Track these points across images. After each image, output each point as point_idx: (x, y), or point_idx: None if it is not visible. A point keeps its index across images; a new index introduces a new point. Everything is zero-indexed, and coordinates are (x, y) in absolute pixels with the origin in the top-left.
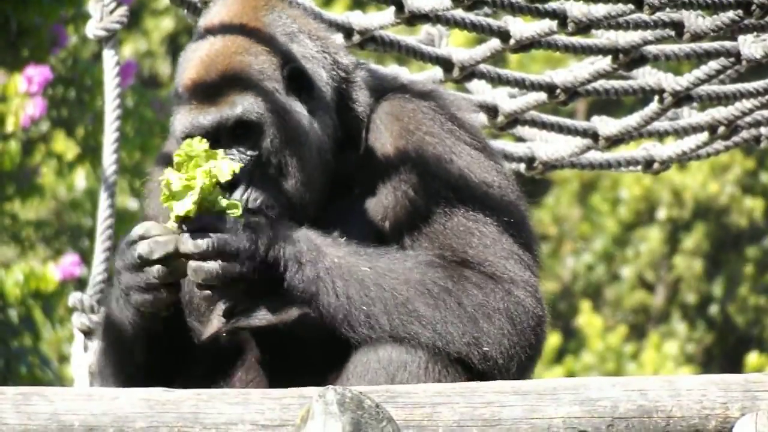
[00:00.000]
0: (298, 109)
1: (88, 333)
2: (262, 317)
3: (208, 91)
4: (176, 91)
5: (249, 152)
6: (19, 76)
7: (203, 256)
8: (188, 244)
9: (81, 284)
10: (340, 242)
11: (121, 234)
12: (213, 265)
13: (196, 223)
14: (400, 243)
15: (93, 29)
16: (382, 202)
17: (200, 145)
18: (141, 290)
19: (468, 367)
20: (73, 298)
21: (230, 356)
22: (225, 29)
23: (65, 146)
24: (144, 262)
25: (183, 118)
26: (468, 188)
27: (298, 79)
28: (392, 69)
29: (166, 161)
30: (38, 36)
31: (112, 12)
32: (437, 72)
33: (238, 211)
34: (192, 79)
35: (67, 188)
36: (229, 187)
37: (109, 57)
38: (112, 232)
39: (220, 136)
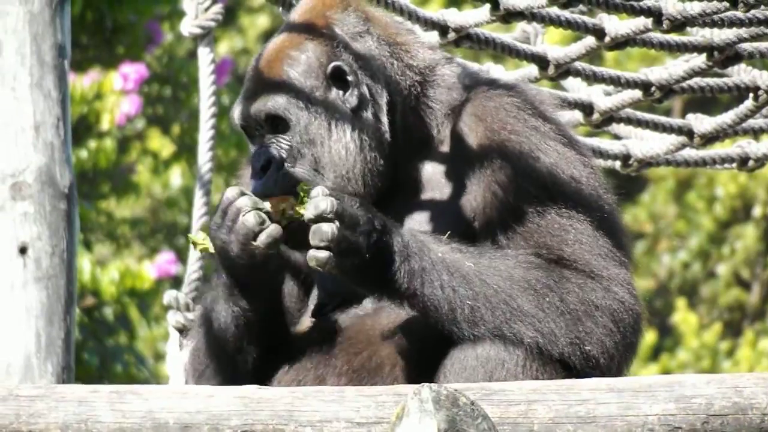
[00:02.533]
0: (337, 107)
1: (183, 331)
2: (349, 314)
3: (255, 82)
4: None
5: (284, 142)
6: (114, 73)
7: (323, 217)
8: (310, 207)
9: (176, 282)
10: (441, 239)
11: None
12: (332, 227)
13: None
14: (494, 242)
15: (188, 27)
16: (471, 204)
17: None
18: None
19: (566, 366)
20: (169, 296)
21: (322, 354)
22: (294, 24)
23: (161, 144)
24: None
25: (235, 107)
26: (557, 185)
27: (343, 78)
28: (481, 66)
29: None
30: (133, 33)
31: (207, 9)
32: (532, 70)
33: None
34: (249, 70)
35: (163, 186)
36: (260, 170)
37: (204, 54)
38: None
39: (261, 126)
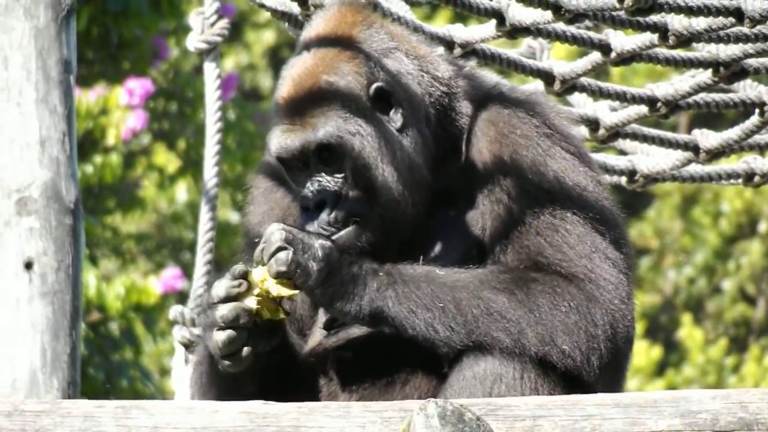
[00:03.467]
0: (385, 128)
1: (188, 346)
2: (360, 328)
3: (294, 111)
4: (274, 106)
5: (336, 174)
6: (120, 88)
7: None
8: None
9: (182, 297)
10: (413, 267)
11: (222, 246)
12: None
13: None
14: (494, 247)
15: (194, 42)
16: (480, 209)
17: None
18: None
19: (568, 379)
20: (174, 311)
21: (331, 368)
22: (319, 45)
23: (166, 159)
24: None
25: (274, 139)
26: (562, 191)
27: (385, 98)
28: (492, 75)
29: (267, 171)
30: (139, 48)
31: (213, 25)
32: (538, 85)
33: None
34: (283, 98)
35: (168, 201)
36: (314, 209)
37: (210, 70)
38: (213, 246)
39: (307, 158)
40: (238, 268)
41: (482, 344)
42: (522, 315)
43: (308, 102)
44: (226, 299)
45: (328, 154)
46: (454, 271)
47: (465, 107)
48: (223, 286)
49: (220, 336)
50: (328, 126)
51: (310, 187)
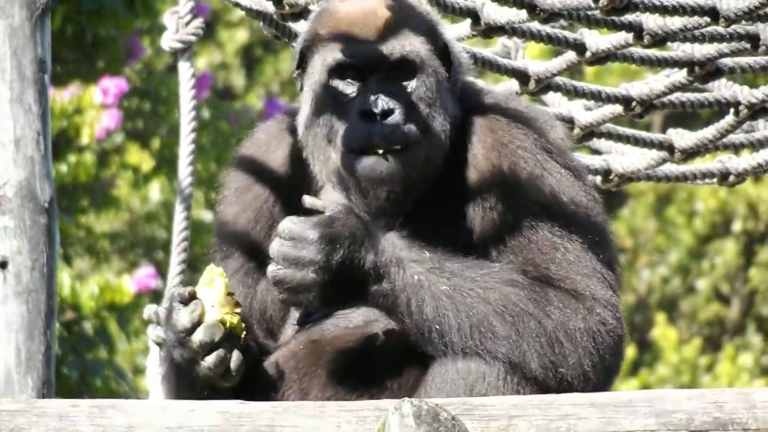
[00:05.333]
0: (443, 82)
1: (162, 345)
2: (335, 325)
3: (373, 26)
4: (311, 38)
5: (406, 92)
6: (94, 87)
7: (277, 262)
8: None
9: (156, 296)
10: (424, 256)
11: (196, 246)
12: (285, 272)
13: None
14: (485, 254)
15: (168, 41)
16: (470, 212)
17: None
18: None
19: (548, 384)
20: (148, 310)
21: (304, 366)
22: None
23: (140, 158)
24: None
25: (337, 49)
26: (556, 205)
27: (445, 57)
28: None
29: (242, 164)
30: (113, 48)
31: (187, 24)
32: (513, 84)
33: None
34: (350, 17)
35: (142, 200)
36: (382, 116)
37: (184, 69)
38: (187, 245)
39: (375, 69)
40: (185, 291)
41: (479, 356)
42: (529, 340)
43: (397, 22)
44: (193, 327)
45: (400, 73)
46: (467, 269)
47: (452, 107)
48: (184, 316)
49: (210, 361)
50: (416, 45)
51: (378, 95)
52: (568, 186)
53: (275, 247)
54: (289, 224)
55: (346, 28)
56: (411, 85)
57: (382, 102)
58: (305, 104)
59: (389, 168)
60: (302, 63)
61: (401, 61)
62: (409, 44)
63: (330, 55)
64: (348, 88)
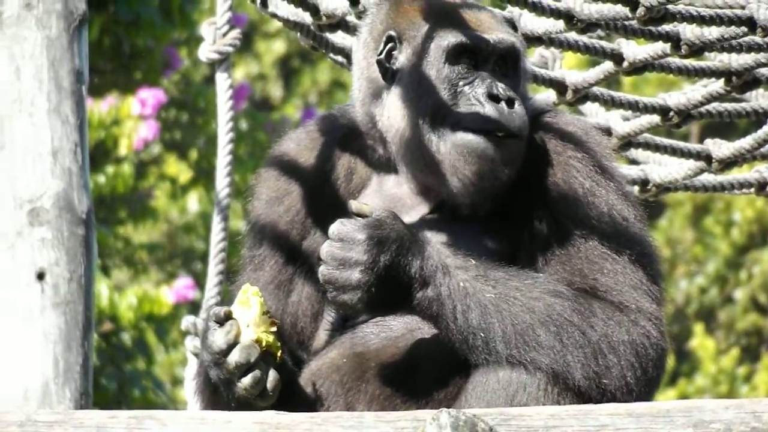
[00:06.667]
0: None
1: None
2: (376, 334)
3: (489, 18)
4: (404, 23)
5: (510, 85)
6: (132, 98)
7: (326, 263)
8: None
9: (194, 307)
10: (470, 263)
11: (234, 256)
12: (333, 272)
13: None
14: (530, 263)
15: (206, 52)
16: (520, 220)
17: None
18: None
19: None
20: (186, 321)
21: (348, 381)
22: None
23: (178, 169)
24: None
25: (453, 33)
26: (607, 218)
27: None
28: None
29: (272, 175)
30: (151, 59)
31: (225, 35)
32: (551, 94)
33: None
34: (455, 7)
35: (180, 211)
36: (508, 102)
37: (222, 80)
38: (225, 256)
39: (489, 56)
40: (220, 311)
41: (523, 365)
42: (573, 350)
43: (492, 16)
44: (229, 348)
45: (504, 65)
46: (512, 279)
47: None
48: (220, 337)
49: (246, 382)
50: (517, 39)
51: (496, 82)
52: (617, 199)
53: (325, 248)
54: (339, 226)
55: (456, 16)
56: (515, 78)
57: (504, 89)
58: (399, 87)
59: (506, 152)
60: (389, 48)
61: (510, 49)
62: (513, 36)
63: (447, 38)
64: (464, 71)
